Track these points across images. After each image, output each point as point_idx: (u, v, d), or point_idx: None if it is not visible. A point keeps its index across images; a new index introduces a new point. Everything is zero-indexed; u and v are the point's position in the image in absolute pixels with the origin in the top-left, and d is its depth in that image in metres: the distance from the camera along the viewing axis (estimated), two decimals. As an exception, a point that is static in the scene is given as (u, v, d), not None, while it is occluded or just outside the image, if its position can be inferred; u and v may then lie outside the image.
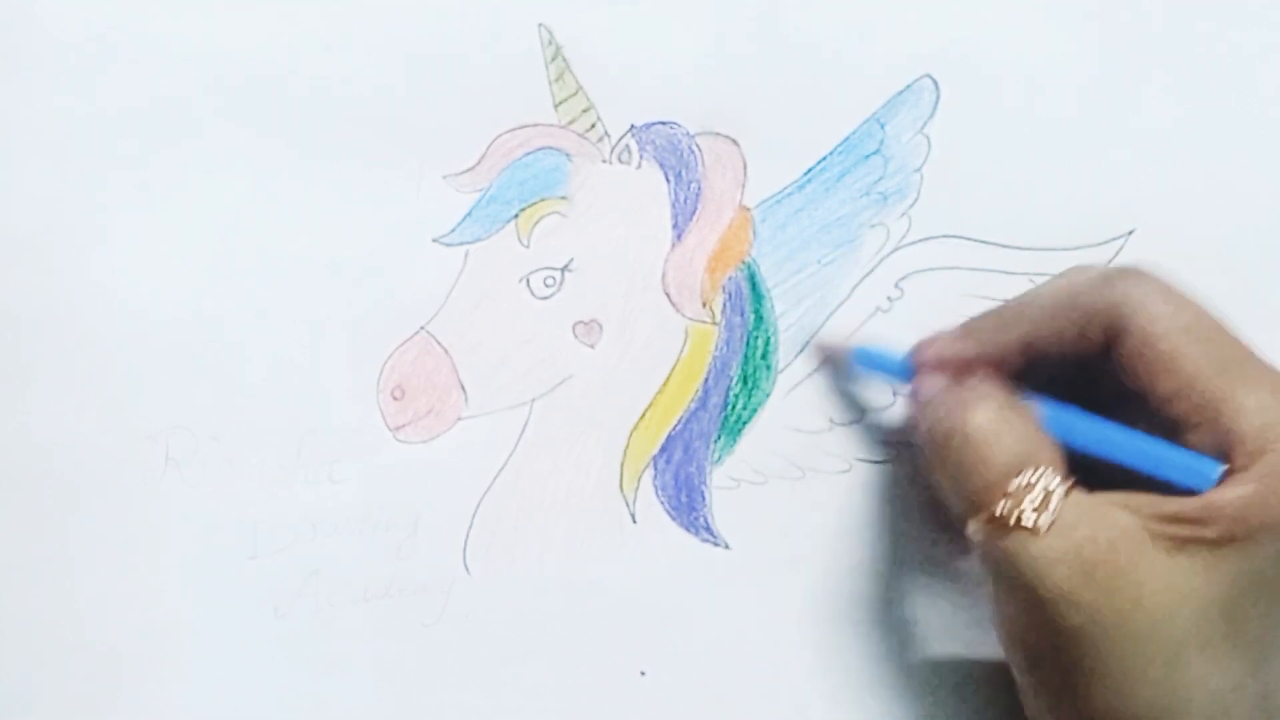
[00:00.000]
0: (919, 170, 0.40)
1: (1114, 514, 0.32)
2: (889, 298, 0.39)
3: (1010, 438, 0.33)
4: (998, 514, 0.32)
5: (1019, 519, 0.32)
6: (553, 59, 0.38)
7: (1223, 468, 0.32)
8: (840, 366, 0.39)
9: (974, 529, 0.33)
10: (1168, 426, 0.33)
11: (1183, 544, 0.32)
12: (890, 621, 0.39)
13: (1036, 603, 0.32)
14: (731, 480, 0.39)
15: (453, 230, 0.38)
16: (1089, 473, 0.33)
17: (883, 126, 0.39)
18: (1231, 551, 0.31)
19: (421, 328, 0.38)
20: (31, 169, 0.38)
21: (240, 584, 0.38)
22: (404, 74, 0.38)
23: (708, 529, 0.39)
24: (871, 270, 0.39)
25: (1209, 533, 0.31)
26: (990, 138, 0.39)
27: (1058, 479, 0.32)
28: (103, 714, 0.38)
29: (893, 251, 0.39)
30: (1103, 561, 0.31)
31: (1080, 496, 0.32)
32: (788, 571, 0.39)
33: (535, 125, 0.38)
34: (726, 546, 0.39)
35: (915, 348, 0.37)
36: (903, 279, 0.39)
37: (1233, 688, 0.32)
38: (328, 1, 0.38)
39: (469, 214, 0.38)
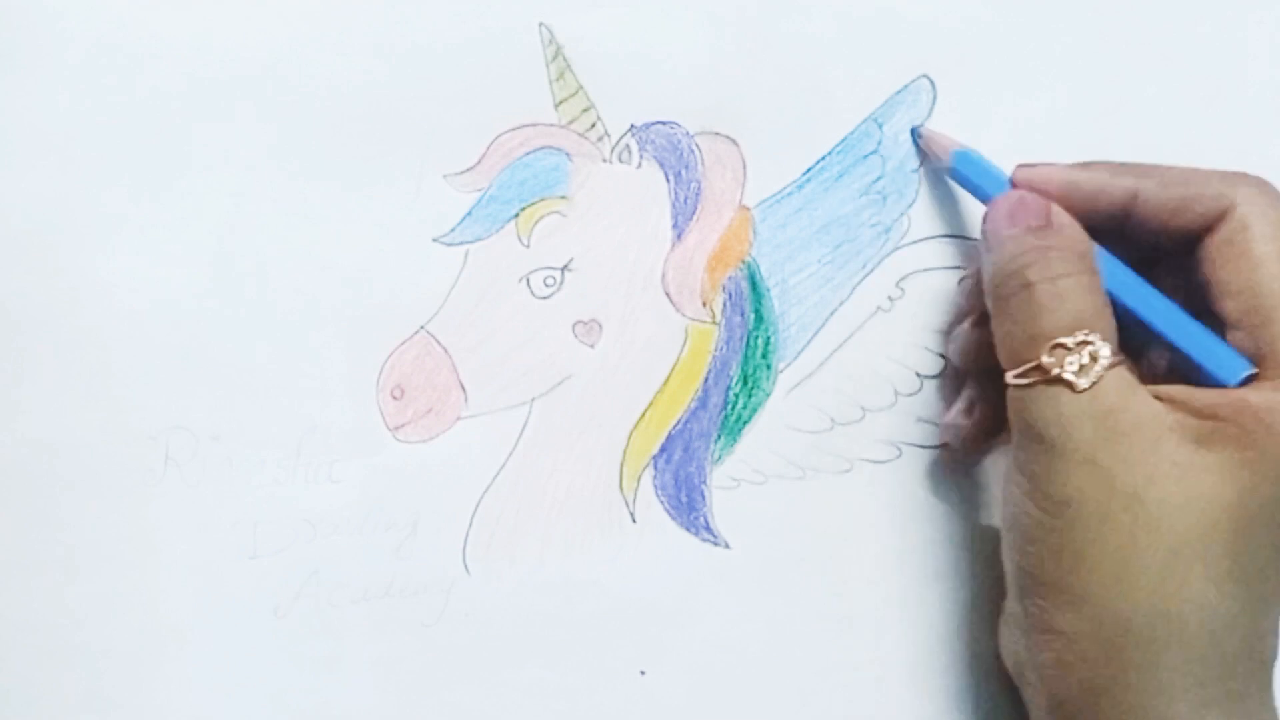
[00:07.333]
0: (917, 170, 0.40)
1: (1149, 398, 0.33)
2: (889, 297, 0.39)
3: (1073, 299, 0.33)
4: (1041, 362, 0.33)
5: (1060, 372, 0.33)
6: (553, 59, 0.38)
7: (1252, 370, 0.34)
8: (937, 161, 0.39)
9: (1013, 377, 0.34)
10: (1213, 326, 0.35)
11: (1206, 439, 0.32)
12: (891, 621, 0.40)
13: (1055, 460, 0.33)
14: (731, 480, 0.39)
15: (453, 230, 0.38)
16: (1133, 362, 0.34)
17: (880, 126, 0.39)
18: (1252, 459, 0.32)
19: (421, 327, 0.38)
20: (31, 168, 0.37)
21: (240, 584, 0.38)
22: (405, 73, 0.38)
23: (708, 529, 0.39)
24: (871, 270, 0.39)
25: (1232, 429, 0.32)
26: (987, 138, 0.39)
27: (1108, 348, 0.33)
28: (102, 714, 0.38)
29: (893, 251, 0.39)
30: (1128, 434, 0.32)
31: (1123, 373, 0.33)
32: (788, 571, 0.39)
33: (535, 125, 0.38)
34: (726, 546, 0.39)
35: (1019, 166, 0.37)
36: (903, 279, 0.39)
37: (1226, 614, 0.32)
38: (329, 1, 0.38)
39: (469, 214, 0.38)
